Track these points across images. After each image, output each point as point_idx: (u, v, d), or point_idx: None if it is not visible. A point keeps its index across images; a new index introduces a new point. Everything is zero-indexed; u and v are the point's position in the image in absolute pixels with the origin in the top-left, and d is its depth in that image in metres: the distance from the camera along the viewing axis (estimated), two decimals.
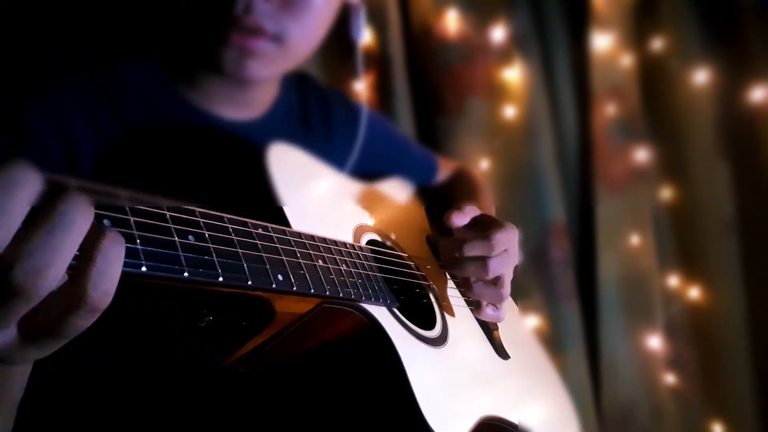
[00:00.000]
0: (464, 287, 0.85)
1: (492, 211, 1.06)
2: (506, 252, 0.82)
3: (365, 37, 1.51)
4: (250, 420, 0.69)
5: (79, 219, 0.35)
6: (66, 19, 0.93)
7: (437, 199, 1.09)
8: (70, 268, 0.35)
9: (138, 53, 0.81)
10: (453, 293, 0.90)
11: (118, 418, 0.68)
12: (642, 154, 1.74)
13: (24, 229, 0.33)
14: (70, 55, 0.76)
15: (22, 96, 0.70)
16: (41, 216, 0.34)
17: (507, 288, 0.83)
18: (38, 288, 0.34)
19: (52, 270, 0.34)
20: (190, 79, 0.82)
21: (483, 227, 0.82)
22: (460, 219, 0.82)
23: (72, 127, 0.71)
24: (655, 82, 1.74)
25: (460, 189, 1.15)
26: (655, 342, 1.72)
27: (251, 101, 0.88)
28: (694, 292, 1.77)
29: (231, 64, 0.75)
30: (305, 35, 0.78)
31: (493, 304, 0.85)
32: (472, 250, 0.80)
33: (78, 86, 0.74)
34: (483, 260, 0.80)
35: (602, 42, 1.70)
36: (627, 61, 1.73)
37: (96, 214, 0.37)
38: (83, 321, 0.37)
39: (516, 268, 0.86)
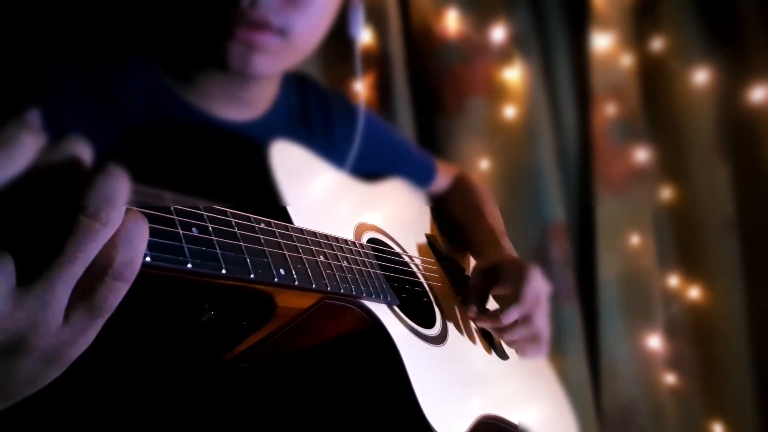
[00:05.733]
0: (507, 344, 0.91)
1: (498, 220, 1.07)
2: (540, 299, 0.87)
3: (365, 36, 1.51)
4: (251, 415, 0.69)
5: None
6: (66, 15, 0.93)
7: (438, 209, 1.09)
8: None
9: (137, 53, 0.80)
10: (452, 292, 0.90)
11: (117, 412, 0.68)
12: (642, 154, 1.74)
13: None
14: (69, 57, 0.76)
15: (19, 99, 0.70)
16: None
17: (545, 330, 0.89)
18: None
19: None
20: (190, 80, 0.81)
21: (508, 279, 0.87)
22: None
23: (69, 132, 0.70)
24: (655, 82, 1.75)
25: (463, 200, 1.15)
26: (655, 342, 1.72)
27: (252, 100, 0.87)
28: (694, 292, 1.77)
29: (237, 59, 0.75)
30: (310, 29, 0.78)
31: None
32: (510, 317, 0.84)
33: (76, 90, 0.73)
34: (526, 320, 0.85)
35: (602, 42, 1.70)
36: (627, 61, 1.73)
37: None
38: (114, 292, 0.37)
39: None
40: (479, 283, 0.90)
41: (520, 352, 0.90)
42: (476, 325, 0.90)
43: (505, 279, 0.88)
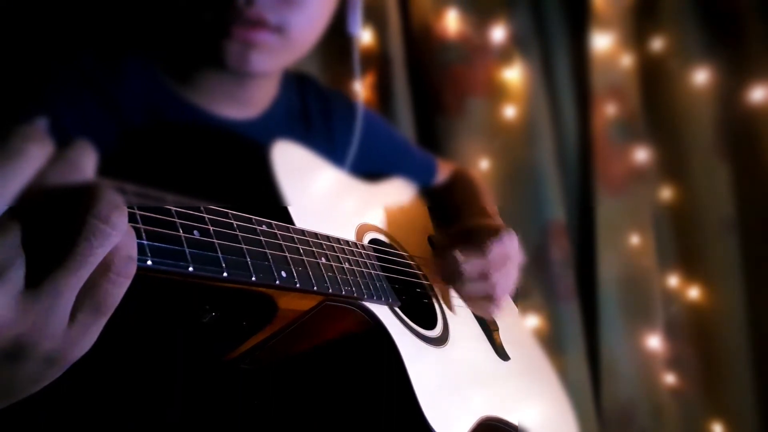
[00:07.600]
0: (462, 298, 0.88)
1: (493, 211, 1.07)
2: (507, 260, 0.84)
3: (364, 34, 1.51)
4: (252, 416, 0.69)
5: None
6: (64, 16, 0.92)
7: (437, 201, 1.09)
8: None
9: (135, 53, 0.80)
10: (453, 293, 0.90)
11: (118, 413, 0.68)
12: (642, 154, 1.74)
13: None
14: (68, 59, 0.76)
15: (19, 101, 0.69)
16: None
17: (501, 292, 0.85)
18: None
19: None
20: (190, 79, 0.81)
21: (479, 239, 0.84)
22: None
23: (69, 135, 0.70)
24: (655, 82, 1.75)
25: (460, 190, 1.14)
26: (655, 342, 1.72)
27: (251, 99, 0.87)
28: (694, 292, 1.77)
29: (234, 58, 0.75)
30: (307, 26, 0.78)
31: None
32: (468, 266, 0.82)
33: (75, 92, 0.73)
34: (484, 277, 0.83)
35: (602, 42, 1.70)
36: (627, 61, 1.73)
37: None
38: (117, 288, 0.38)
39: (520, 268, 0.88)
40: (448, 240, 0.89)
41: (471, 307, 0.89)
42: (437, 285, 0.88)
43: (477, 239, 0.85)
